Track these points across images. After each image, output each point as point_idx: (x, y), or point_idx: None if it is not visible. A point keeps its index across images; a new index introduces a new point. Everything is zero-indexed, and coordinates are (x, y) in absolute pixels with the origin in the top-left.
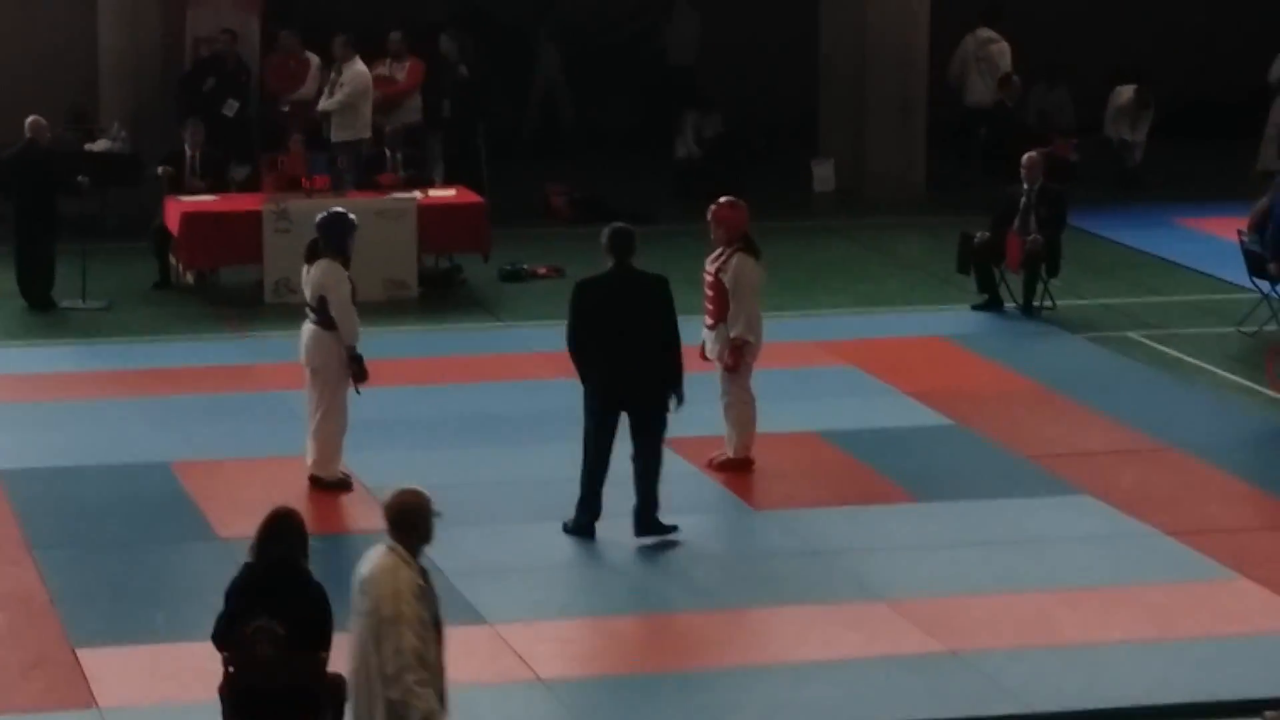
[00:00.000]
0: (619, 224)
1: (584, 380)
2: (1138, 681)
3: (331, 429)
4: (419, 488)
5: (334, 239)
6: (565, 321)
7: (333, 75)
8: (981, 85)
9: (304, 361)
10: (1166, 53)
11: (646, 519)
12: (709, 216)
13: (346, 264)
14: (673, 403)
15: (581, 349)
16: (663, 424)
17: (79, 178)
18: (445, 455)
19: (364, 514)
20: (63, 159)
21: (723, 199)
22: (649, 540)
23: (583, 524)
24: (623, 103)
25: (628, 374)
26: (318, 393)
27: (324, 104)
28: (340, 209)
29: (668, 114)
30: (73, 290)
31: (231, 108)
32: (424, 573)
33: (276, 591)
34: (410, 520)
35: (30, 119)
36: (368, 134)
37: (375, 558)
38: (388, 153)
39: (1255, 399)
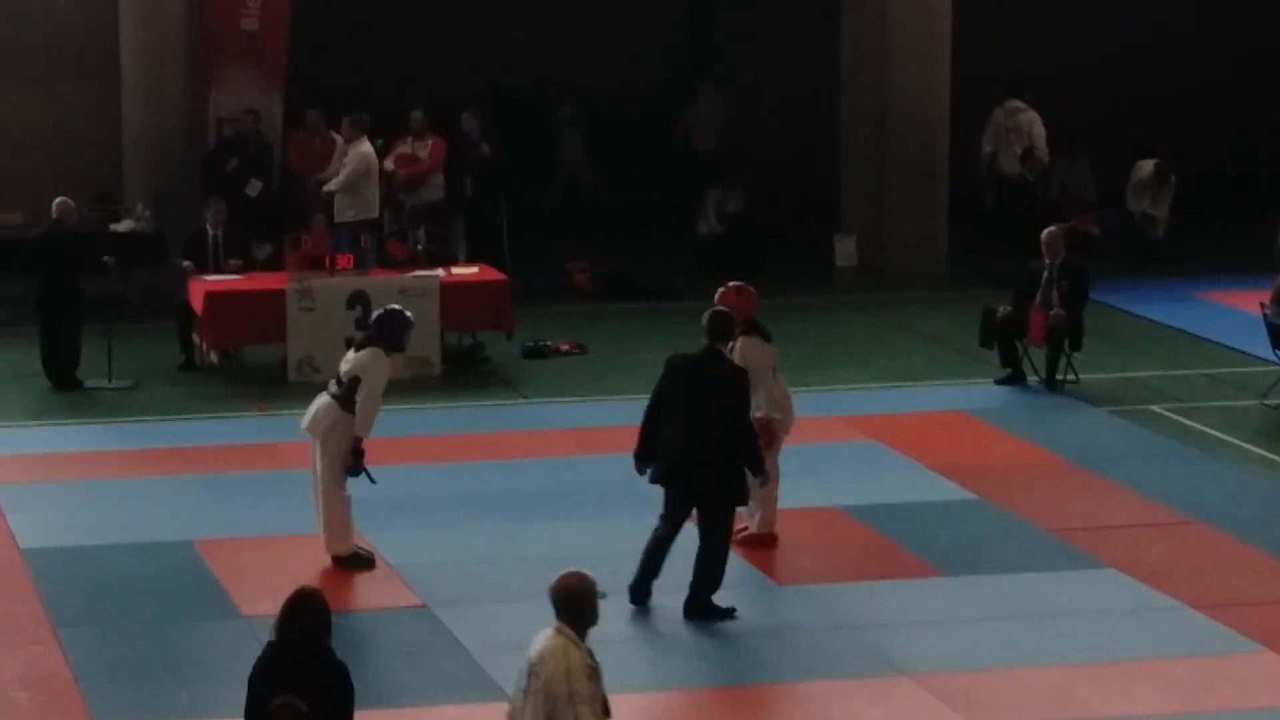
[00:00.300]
0: (719, 309)
1: (641, 459)
2: None
3: (336, 507)
4: (584, 571)
5: (389, 334)
6: (586, 399)
7: (338, 156)
8: (1011, 155)
9: (307, 427)
10: (1188, 126)
11: (701, 603)
12: (716, 300)
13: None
14: (753, 480)
15: (654, 423)
16: (729, 513)
17: (105, 258)
18: (468, 532)
19: (387, 592)
20: (88, 239)
21: (731, 284)
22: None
23: (635, 593)
24: (643, 181)
25: (695, 453)
26: (324, 465)
27: (329, 185)
28: (397, 306)
29: (689, 192)
30: (98, 370)
31: (255, 188)
32: (591, 653)
33: (299, 670)
34: (578, 603)
35: (57, 200)
36: (373, 214)
37: (544, 640)
38: (409, 232)
39: (1279, 472)
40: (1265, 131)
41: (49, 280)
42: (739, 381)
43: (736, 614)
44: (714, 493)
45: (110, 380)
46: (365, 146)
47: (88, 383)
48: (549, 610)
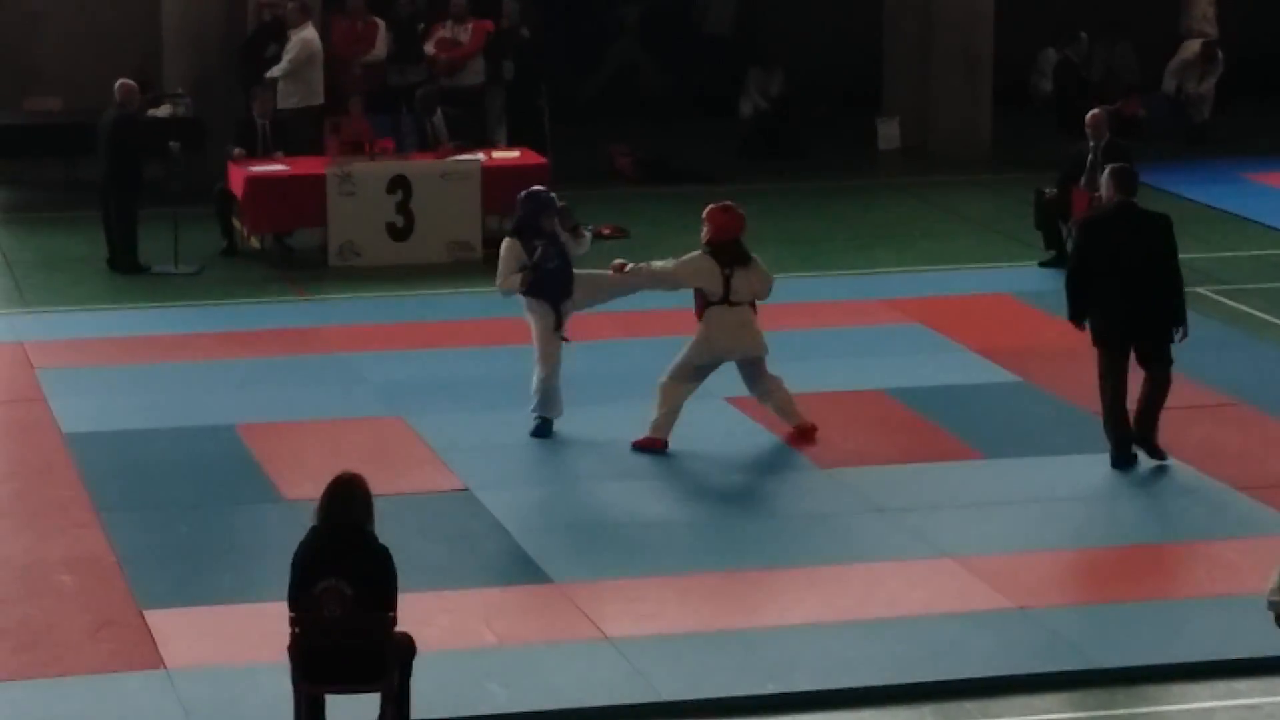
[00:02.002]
0: (1120, 164)
1: (1076, 318)
2: (1206, 637)
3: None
4: None
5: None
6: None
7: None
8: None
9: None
10: (1231, 8)
11: (1151, 442)
12: (704, 218)
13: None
14: (1178, 334)
15: (1085, 286)
16: (1169, 356)
17: (170, 142)
18: (509, 416)
19: (429, 475)
20: (153, 124)
21: (718, 204)
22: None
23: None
24: (682, 68)
25: (1137, 309)
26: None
27: (272, 71)
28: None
29: (713, 79)
30: (161, 255)
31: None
32: None
33: (342, 554)
34: None
35: (119, 83)
36: (318, 100)
37: None
38: (439, 114)
39: None
40: None
41: (117, 165)
42: (1167, 233)
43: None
44: (1155, 342)
45: (176, 265)
46: (309, 32)
47: (155, 268)
48: (595, 493)
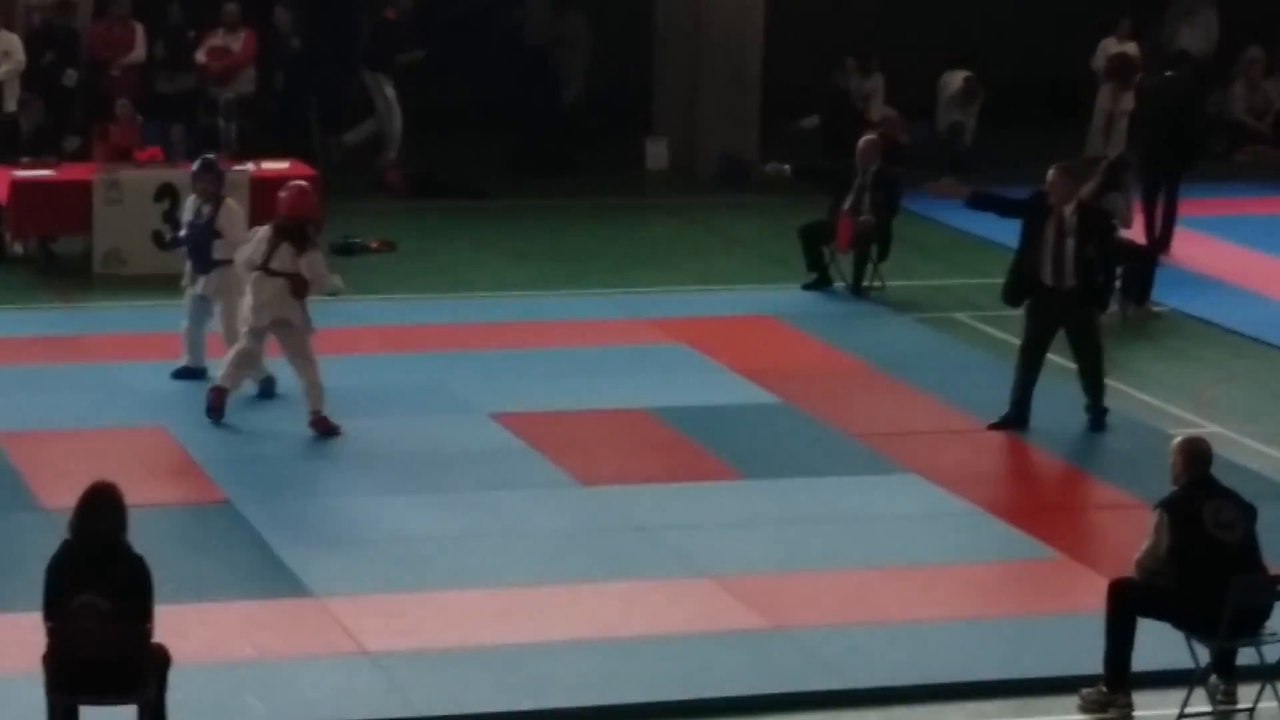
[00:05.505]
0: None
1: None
2: (956, 658)
3: None
4: None
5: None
6: (395, 297)
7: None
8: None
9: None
10: (993, 36)
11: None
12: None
13: None
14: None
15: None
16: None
17: None
18: (273, 427)
19: (190, 486)
20: None
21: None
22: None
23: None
24: (462, 79)
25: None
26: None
27: None
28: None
29: (513, 92)
30: None
31: (71, 78)
32: None
33: (98, 568)
34: None
35: None
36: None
37: None
38: (221, 123)
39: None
40: (1068, 41)
41: None
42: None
43: None
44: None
45: None
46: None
47: None
48: (352, 507)
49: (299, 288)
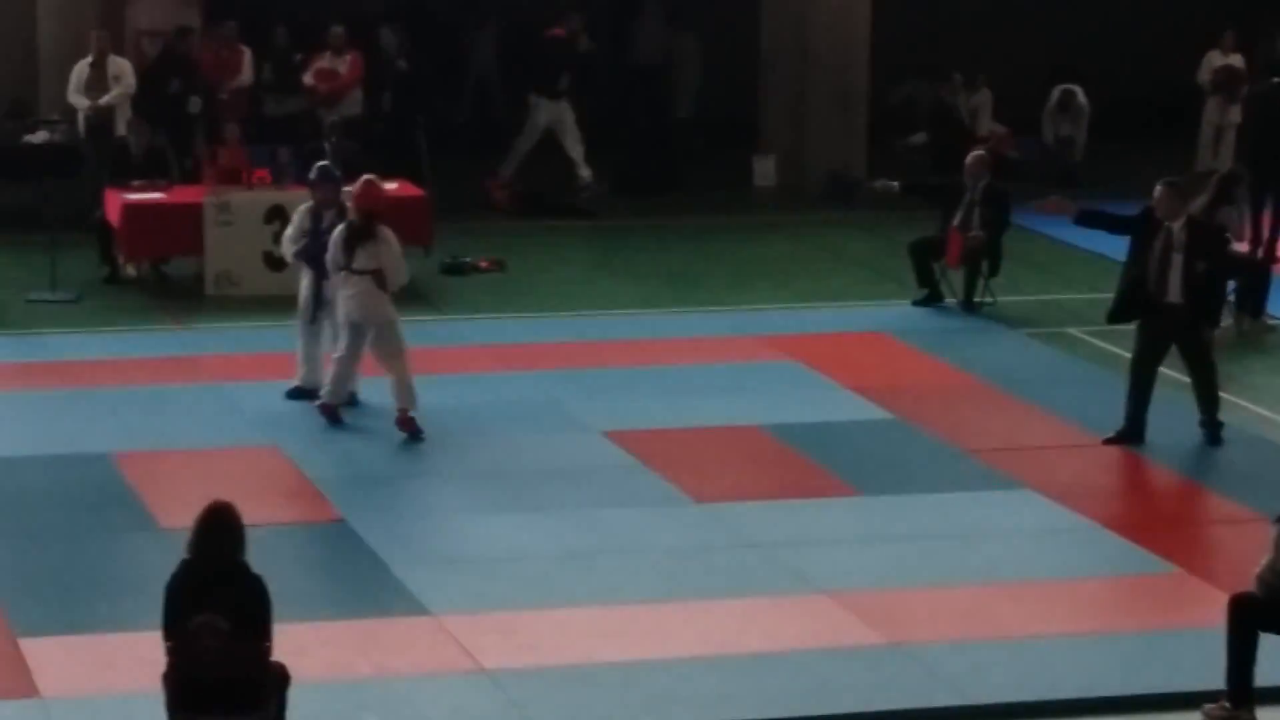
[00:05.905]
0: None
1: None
2: (1075, 674)
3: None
4: None
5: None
6: (504, 315)
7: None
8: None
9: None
10: (1100, 52)
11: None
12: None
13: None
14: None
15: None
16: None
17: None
18: (387, 447)
19: (306, 506)
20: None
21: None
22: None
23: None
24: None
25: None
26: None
27: (104, 99)
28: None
29: (622, 111)
30: (39, 283)
31: (196, 105)
32: None
33: (217, 588)
34: None
35: None
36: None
37: None
38: (327, 145)
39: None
40: (1175, 54)
41: None
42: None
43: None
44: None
45: (54, 291)
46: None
47: (31, 294)
48: (467, 525)
49: (383, 282)
